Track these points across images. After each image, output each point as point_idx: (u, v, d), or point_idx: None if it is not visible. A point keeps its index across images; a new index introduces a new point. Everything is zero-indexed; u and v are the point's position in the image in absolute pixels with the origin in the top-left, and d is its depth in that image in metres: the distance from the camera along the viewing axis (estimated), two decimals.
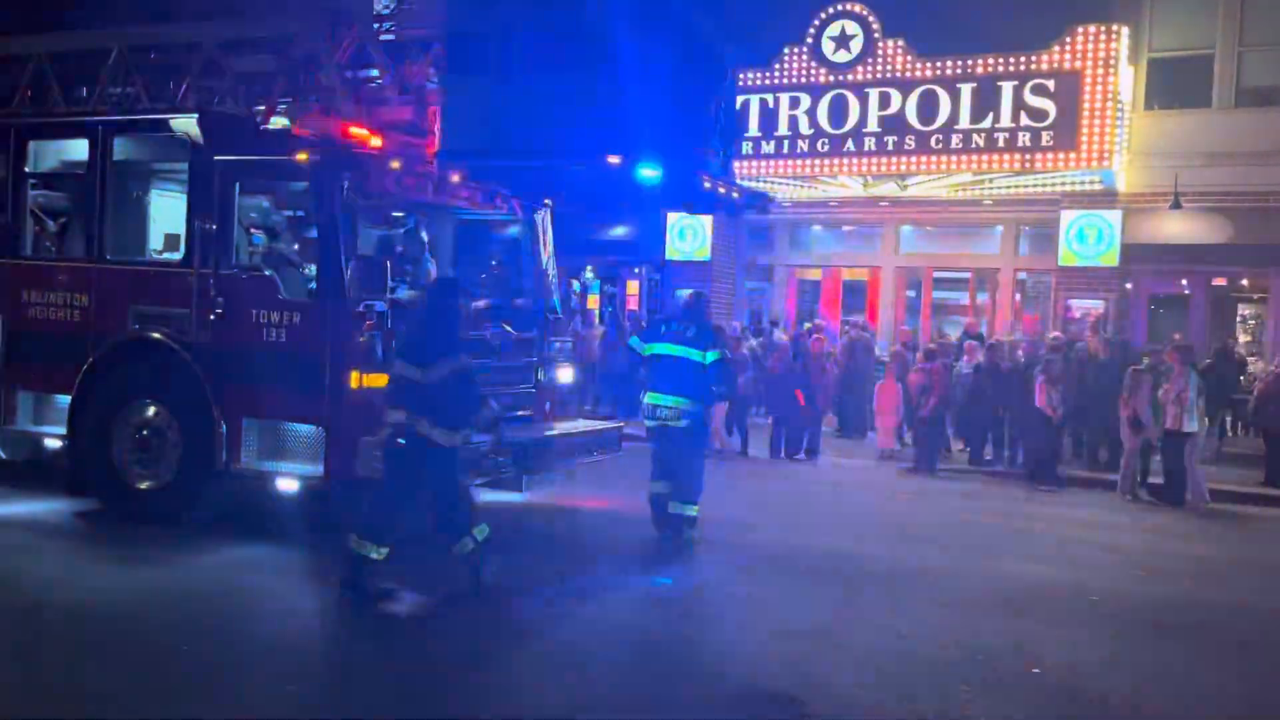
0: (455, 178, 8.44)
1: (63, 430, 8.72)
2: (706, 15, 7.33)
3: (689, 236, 23.98)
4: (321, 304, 7.65)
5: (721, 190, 7.72)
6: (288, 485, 7.96)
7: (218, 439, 7.94)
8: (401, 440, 6.52)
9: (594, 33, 6.72)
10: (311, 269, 7.88)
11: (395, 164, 7.80)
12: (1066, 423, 13.83)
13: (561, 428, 9.00)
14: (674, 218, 23.97)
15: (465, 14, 7.31)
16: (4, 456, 9.44)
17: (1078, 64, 17.13)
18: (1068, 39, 17.27)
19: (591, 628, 6.52)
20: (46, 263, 8.91)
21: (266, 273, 7.84)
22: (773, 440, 14.67)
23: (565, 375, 9.55)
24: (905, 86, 18.55)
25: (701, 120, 7.32)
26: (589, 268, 25.10)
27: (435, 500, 6.77)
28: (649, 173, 6.86)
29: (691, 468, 8.44)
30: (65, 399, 8.72)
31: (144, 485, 8.27)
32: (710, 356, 8.28)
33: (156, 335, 8.23)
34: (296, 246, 8.07)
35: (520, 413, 9.01)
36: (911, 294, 22.91)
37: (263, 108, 8.97)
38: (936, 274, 22.97)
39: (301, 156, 7.69)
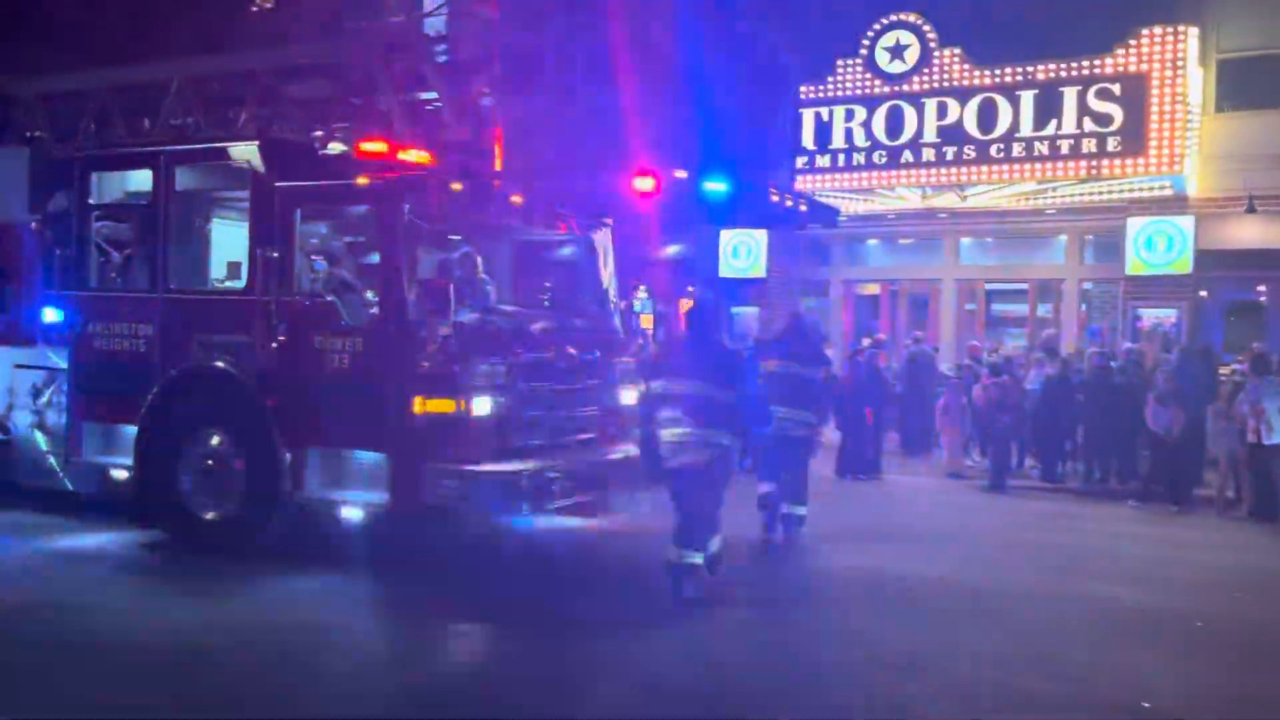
0: (516, 198, 8.31)
1: (129, 461, 8.69)
2: (769, 25, 7.10)
3: (743, 254, 23.70)
4: (384, 329, 7.53)
5: (789, 204, 7.48)
6: (352, 514, 7.83)
7: (281, 468, 7.84)
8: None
9: (656, 46, 6.54)
10: (373, 294, 7.76)
11: (456, 185, 7.68)
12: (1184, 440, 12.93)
13: (627, 450, 8.77)
14: (727, 235, 23.74)
15: (523, 31, 7.16)
16: (71, 488, 9.45)
17: (1144, 66, 16.68)
18: (1132, 42, 16.83)
19: (669, 656, 6.28)
20: (111, 294, 8.92)
21: (328, 299, 7.75)
22: (840, 459, 14.30)
23: (629, 397, 9.33)
24: (963, 95, 18.20)
25: (767, 132, 7.08)
26: (641, 288, 24.94)
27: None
28: (715, 187, 6.65)
29: (802, 472, 9.52)
30: (131, 430, 8.70)
31: (210, 515, 8.20)
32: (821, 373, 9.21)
33: (220, 364, 8.17)
34: (358, 272, 7.95)
35: (584, 436, 8.81)
36: (972, 306, 22.44)
37: (320, 133, 8.97)
38: (997, 286, 22.49)
39: (362, 180, 7.61)
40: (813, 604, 7.55)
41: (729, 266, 23.80)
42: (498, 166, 7.58)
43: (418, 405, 7.41)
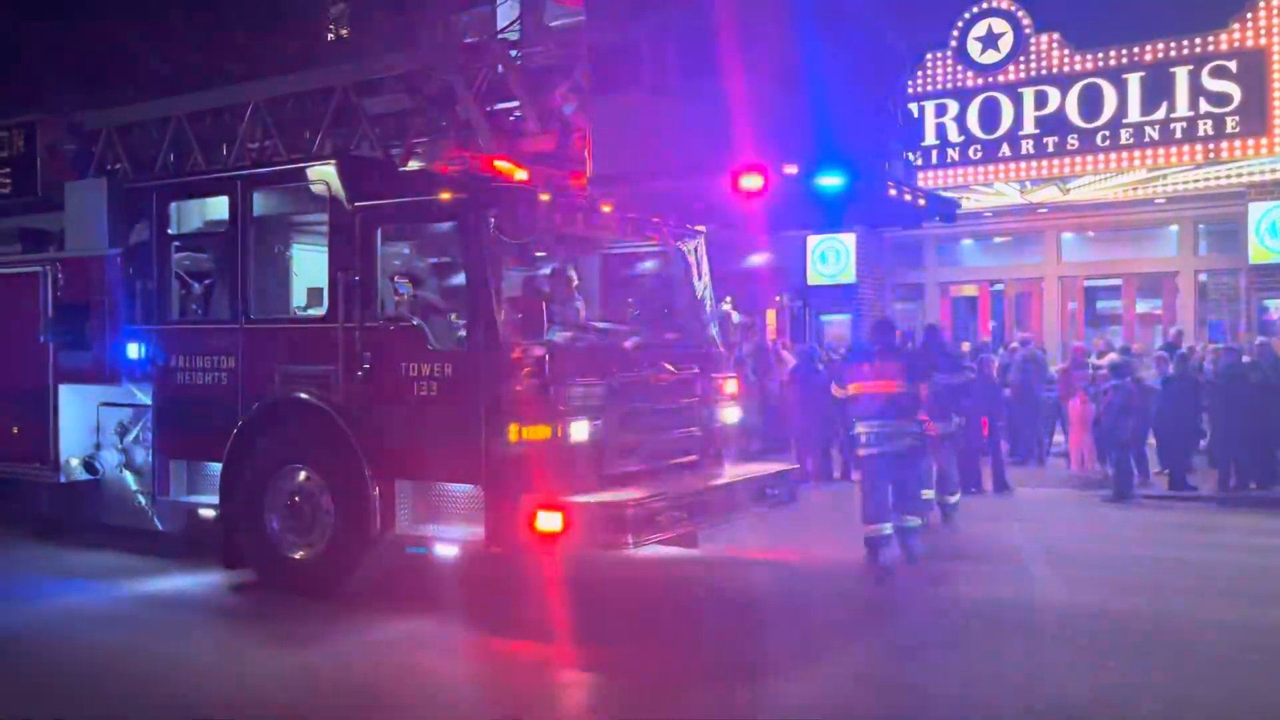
0: (606, 208, 7.78)
1: (215, 500, 8.37)
2: (878, 9, 6.47)
3: (831, 259, 22.96)
4: (474, 353, 7.05)
5: (907, 198, 6.83)
6: (446, 550, 7.35)
7: (371, 503, 7.40)
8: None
9: (756, 33, 5.96)
10: (461, 316, 7.30)
11: (544, 196, 7.18)
12: None
13: (733, 473, 8.18)
14: (814, 240, 22.99)
15: (613, 25, 6.63)
16: (160, 528, 9.18)
17: (1263, 40, 15.59)
18: (1249, 15, 15.74)
19: (790, 705, 5.65)
20: (192, 326, 8.63)
21: (414, 322, 7.30)
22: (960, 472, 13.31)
23: (731, 415, 8.74)
24: (1063, 82, 17.27)
25: (881, 121, 6.45)
26: (727, 298, 24.27)
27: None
28: (830, 181, 6.04)
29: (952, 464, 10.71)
30: (216, 467, 8.38)
31: (298, 555, 7.80)
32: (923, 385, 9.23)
33: (303, 396, 7.79)
34: (443, 293, 7.50)
35: (685, 459, 8.24)
36: (1078, 304, 21.34)
37: (398, 150, 8.57)
38: (1101, 282, 21.36)
39: (445, 195, 7.16)
40: (962, 643, 6.81)
41: (817, 273, 23.05)
42: (587, 174, 7.05)
43: (512, 433, 6.90)
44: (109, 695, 5.97)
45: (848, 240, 22.52)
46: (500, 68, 7.93)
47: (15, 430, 9.78)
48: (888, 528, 8.72)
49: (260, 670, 6.33)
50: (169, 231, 8.70)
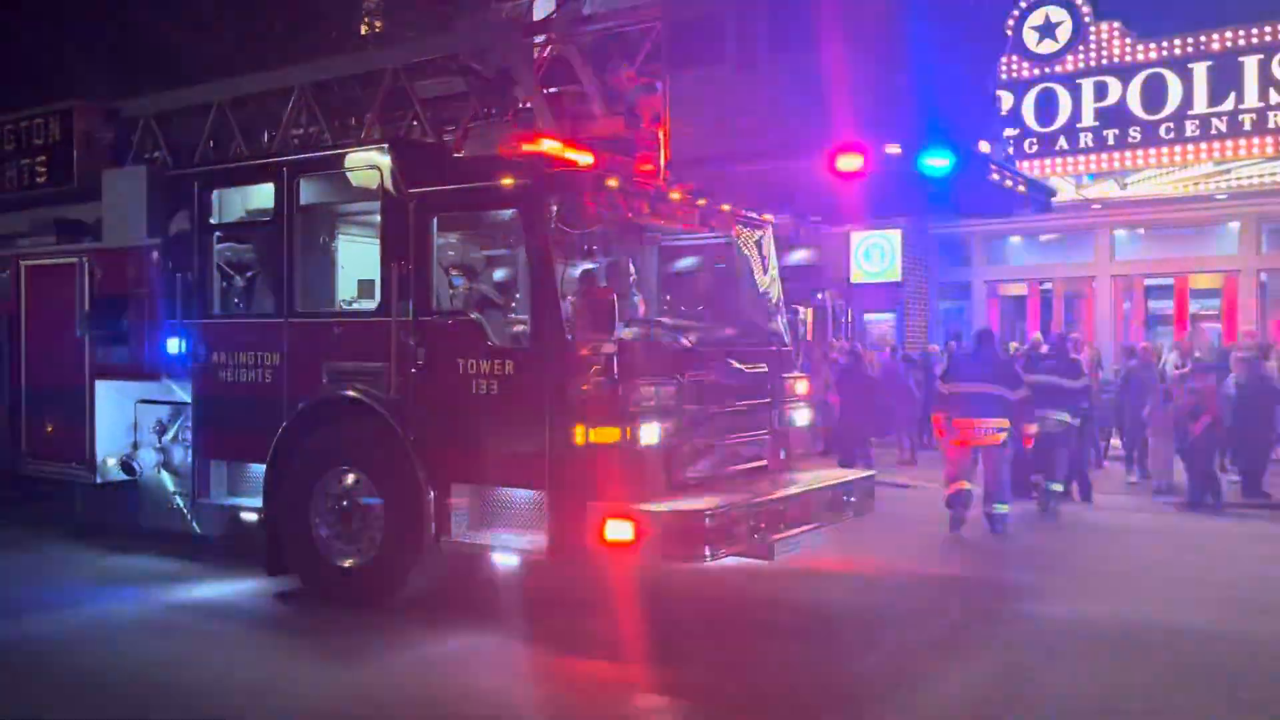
0: (675, 195, 7.31)
1: (258, 503, 7.95)
2: None
3: (875, 256, 22.40)
4: (537, 349, 6.58)
5: (1008, 183, 6.31)
6: (506, 559, 6.90)
7: (425, 509, 6.95)
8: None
9: (859, 1, 5.46)
10: (523, 310, 6.84)
11: (612, 183, 6.70)
12: None
13: (807, 479, 7.67)
14: (859, 237, 22.41)
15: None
16: (199, 531, 8.78)
17: None
18: None
19: None
20: (234, 320, 8.20)
21: (472, 316, 6.83)
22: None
23: (802, 417, 8.24)
24: (1125, 73, 16.66)
25: (982, 101, 5.93)
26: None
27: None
28: (937, 163, 5.54)
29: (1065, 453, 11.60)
30: (259, 468, 7.97)
31: (346, 563, 7.36)
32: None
33: (352, 394, 7.35)
34: (503, 285, 7.04)
35: (754, 464, 7.75)
36: (1135, 302, 20.66)
37: (451, 135, 8.11)
38: (1160, 280, 20.67)
39: (507, 182, 6.69)
40: (1064, 664, 6.30)
41: (861, 270, 22.47)
42: (661, 159, 6.56)
43: (578, 435, 6.43)
44: (154, 712, 5.55)
45: (893, 236, 21.94)
46: (563, 47, 7.45)
47: (50, 429, 9.44)
48: (966, 484, 10.24)
49: (312, 689, 5.89)
50: (210, 221, 8.28)
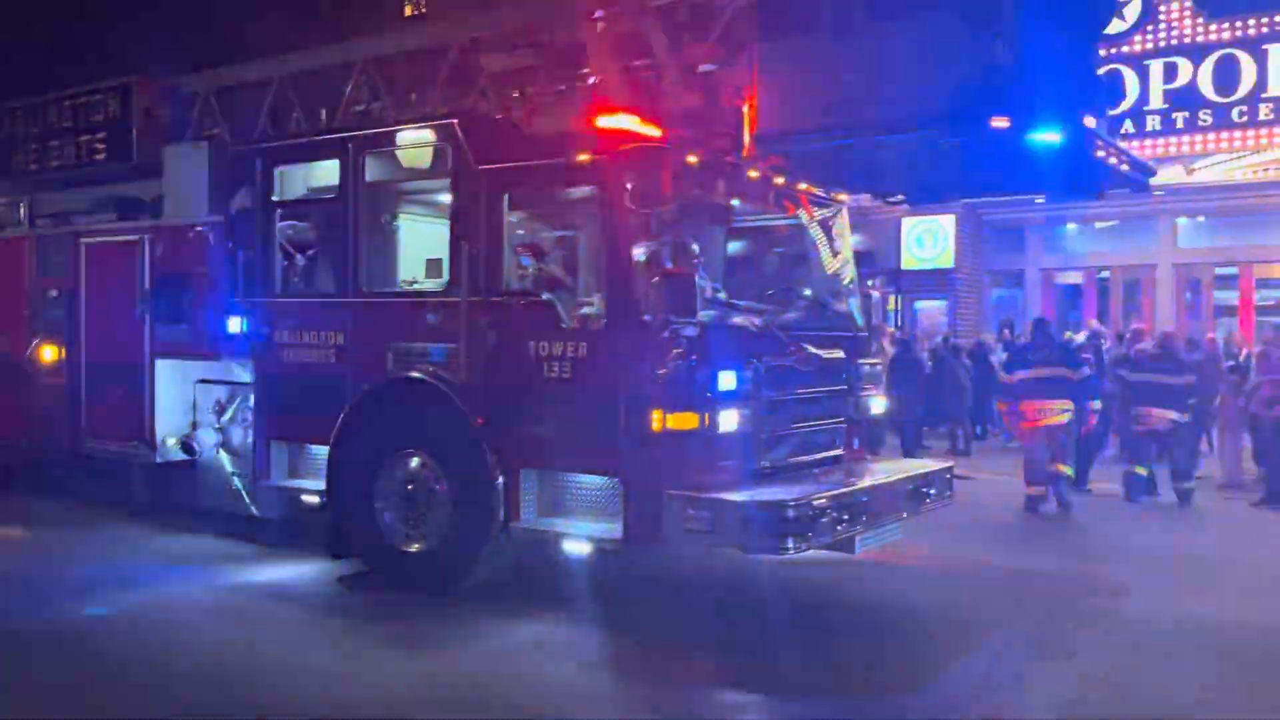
0: (753, 173, 7.05)
1: (320, 485, 7.82)
2: None
3: (928, 242, 22.00)
4: (613, 331, 6.36)
5: (1113, 161, 6.00)
6: (577, 547, 6.70)
7: (494, 494, 6.77)
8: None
9: None
10: (597, 290, 6.61)
11: (692, 158, 6.46)
12: None
13: (886, 470, 7.42)
14: (910, 222, 21.99)
15: None
16: (256, 513, 8.67)
17: None
18: None
19: None
20: (297, 299, 8.04)
21: (544, 297, 6.62)
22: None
23: (878, 405, 7.98)
24: (1196, 53, 16.14)
25: (1086, 74, 5.61)
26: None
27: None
28: (1047, 137, 5.25)
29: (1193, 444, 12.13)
30: (321, 450, 7.83)
31: (412, 548, 7.20)
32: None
33: (419, 375, 7.17)
34: (577, 264, 6.81)
35: (831, 453, 7.50)
36: (1205, 293, 20.12)
37: (519, 109, 7.90)
38: (1225, 270, 20.11)
39: (583, 157, 6.46)
40: (1128, 667, 6.01)
41: (913, 256, 22.06)
42: (747, 134, 6.30)
43: (655, 420, 6.21)
44: (220, 698, 5.41)
45: (947, 222, 21.53)
46: (636, 18, 7.20)
47: (110, 408, 9.36)
48: (1044, 489, 10.85)
49: (384, 678, 5.73)
50: (273, 198, 8.11)
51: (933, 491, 7.38)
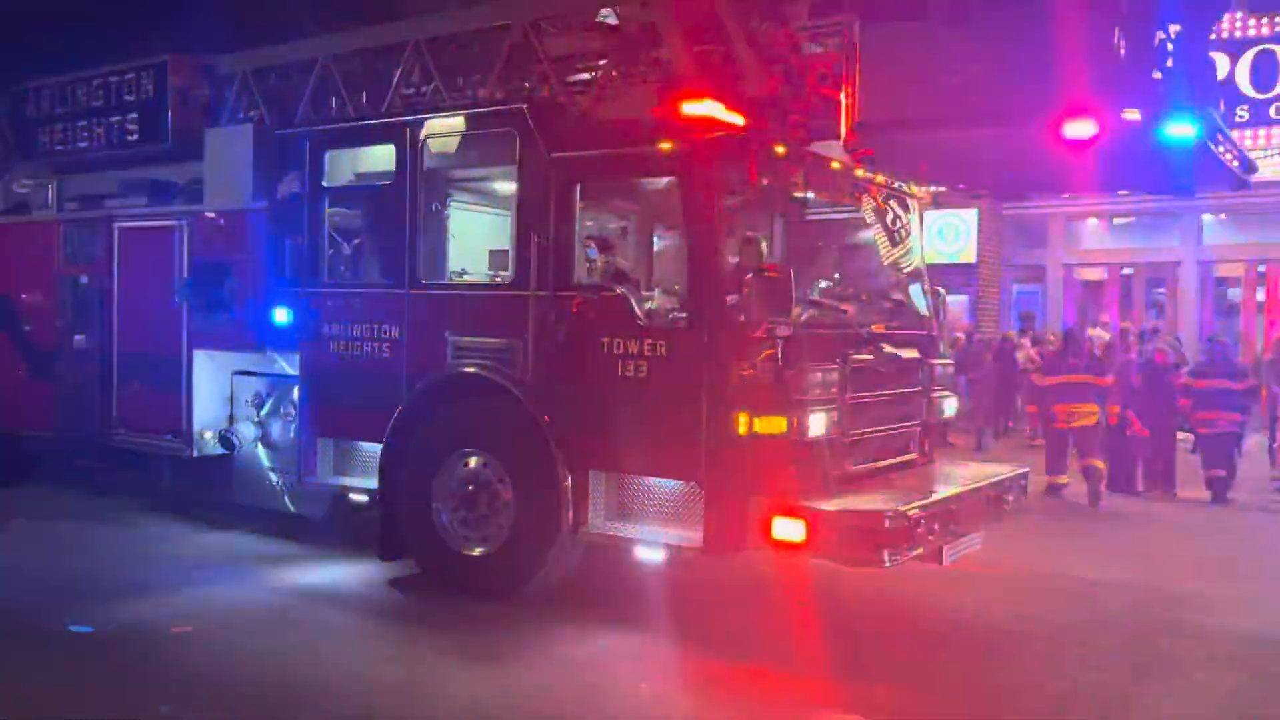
0: (835, 164, 6.75)
1: (369, 483, 7.53)
2: None
3: (950, 236, 21.68)
4: (697, 329, 6.05)
5: (1227, 156, 5.72)
6: (651, 554, 6.41)
7: (562, 496, 6.48)
8: None
9: None
10: (678, 285, 6.31)
11: (780, 149, 6.16)
12: None
13: (963, 475, 7.14)
14: (932, 214, 21.70)
15: None
16: (296, 511, 8.37)
17: None
18: None
19: None
20: (349, 290, 7.71)
21: (620, 292, 6.31)
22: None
23: (949, 407, 7.70)
24: (1234, 48, 15.85)
25: (1206, 63, 5.31)
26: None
27: None
28: (1181, 131, 4.96)
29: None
30: (372, 447, 7.54)
31: (473, 551, 6.91)
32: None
33: (482, 372, 6.87)
34: (655, 258, 6.50)
35: (906, 457, 7.22)
36: (1230, 290, 19.91)
37: (582, 94, 7.55)
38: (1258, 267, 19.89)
39: (665, 146, 6.15)
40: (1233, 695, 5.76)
41: (934, 250, 21.76)
42: (844, 125, 5.98)
43: (741, 424, 5.92)
44: (278, 712, 5.11)
45: (968, 215, 21.21)
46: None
47: (143, 399, 9.03)
48: (1064, 478, 11.73)
49: (457, 689, 5.44)
50: (323, 184, 7.78)
51: (1010, 498, 7.12)
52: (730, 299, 5.99)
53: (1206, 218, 19.92)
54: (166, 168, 9.64)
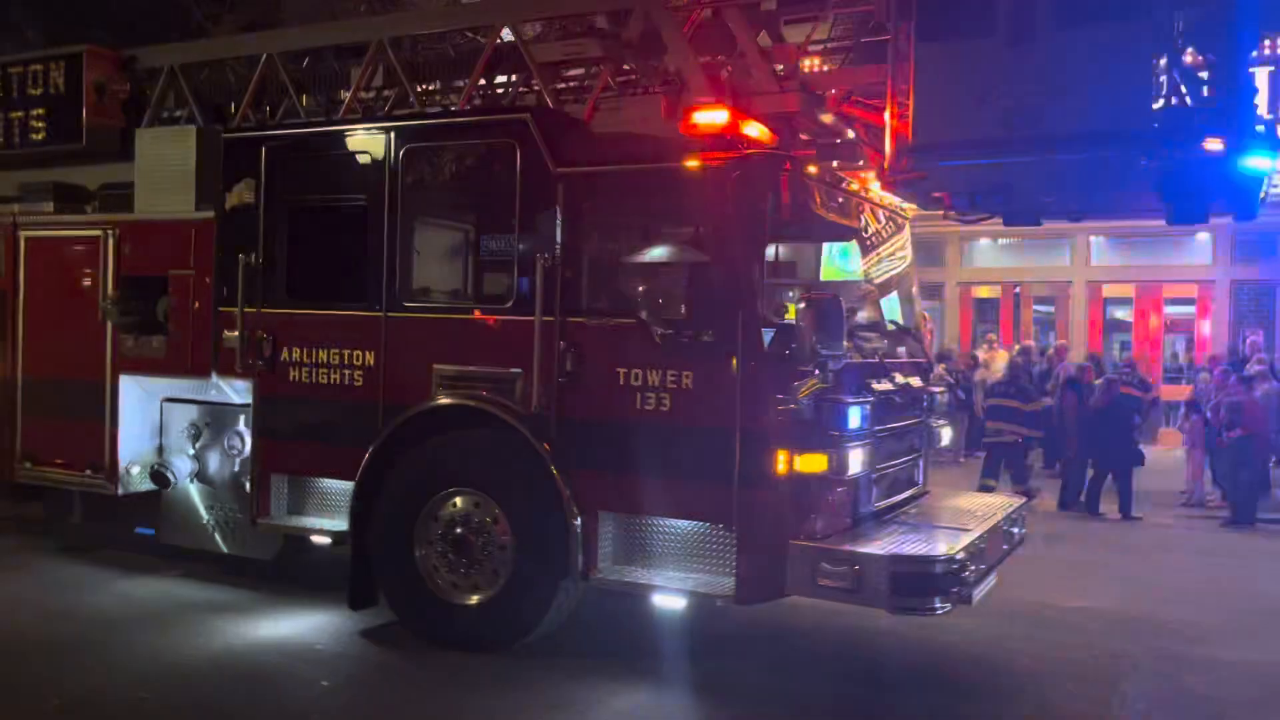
0: (852, 185, 6.48)
1: (334, 525, 6.84)
2: None
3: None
4: (729, 360, 5.62)
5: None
6: (670, 602, 5.95)
7: (570, 540, 5.96)
8: None
9: None
10: (701, 312, 5.83)
11: (813, 169, 5.82)
12: None
13: (972, 509, 6.93)
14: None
15: None
16: (236, 552, 7.60)
17: None
18: None
19: None
20: (314, 312, 6.96)
21: (642, 317, 5.81)
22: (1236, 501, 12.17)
23: (946, 436, 7.53)
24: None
25: (1247, 83, 5.23)
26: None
27: None
28: (1259, 164, 4.84)
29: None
30: (337, 484, 6.88)
31: (463, 600, 6.30)
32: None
33: (477, 404, 6.29)
34: (669, 283, 5.97)
35: (911, 491, 6.99)
36: (1117, 311, 20.78)
37: (570, 103, 7.09)
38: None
39: (693, 164, 5.73)
40: None
41: (832, 268, 21.96)
42: (889, 146, 5.68)
43: (780, 462, 5.53)
44: None
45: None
46: (722, 7, 6.52)
47: (55, 429, 8.03)
48: (993, 482, 12.29)
49: None
50: (284, 194, 7.03)
51: (1016, 530, 6.95)
52: (766, 327, 5.61)
53: (1095, 238, 20.70)
54: (72, 170, 8.68)
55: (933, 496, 7.23)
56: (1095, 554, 10.19)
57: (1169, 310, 21.01)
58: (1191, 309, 20.60)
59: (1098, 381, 12.95)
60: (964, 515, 6.59)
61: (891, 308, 7.51)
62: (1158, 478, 13.49)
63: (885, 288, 7.40)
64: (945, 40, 5.36)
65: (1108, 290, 21.12)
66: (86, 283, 7.81)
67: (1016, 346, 18.29)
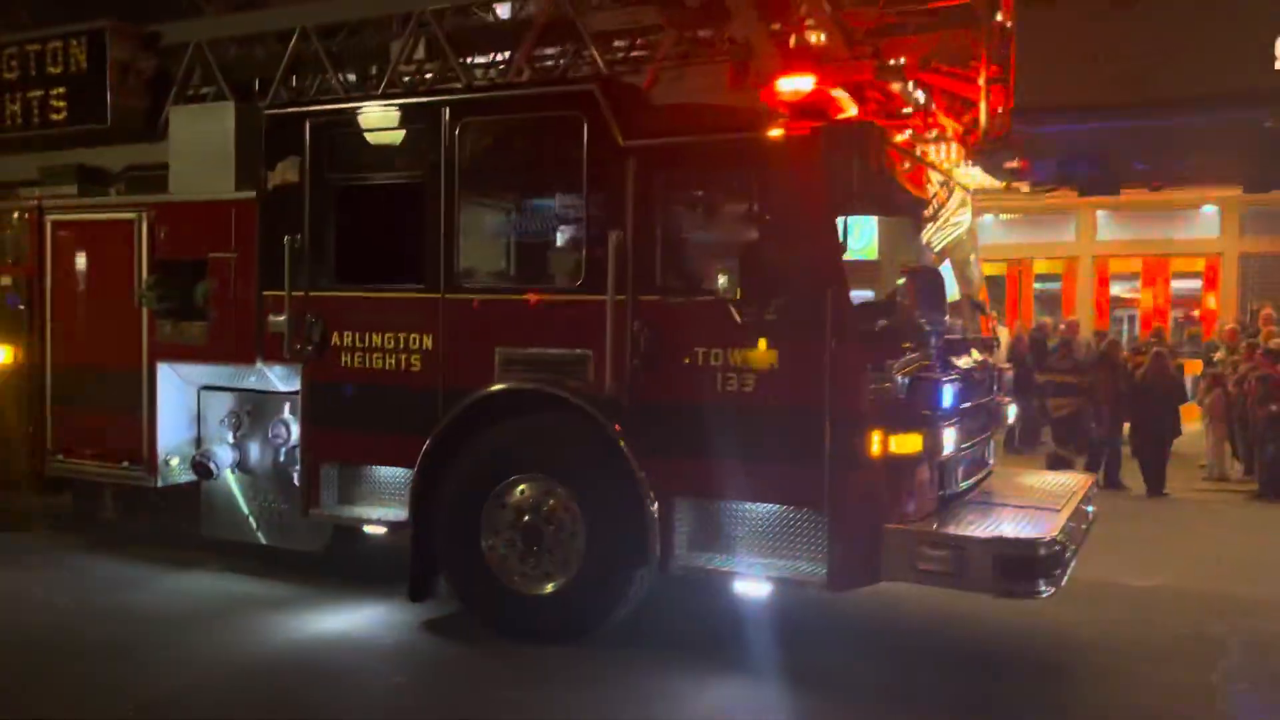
0: (926, 155, 6.27)
1: (392, 514, 6.61)
2: None
3: (853, 234, 21.74)
4: (817, 338, 5.40)
5: None
6: (754, 587, 5.75)
7: (647, 526, 5.75)
8: None
9: None
10: (787, 287, 5.61)
11: (900, 138, 5.60)
12: None
13: (1047, 487, 6.77)
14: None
15: None
16: (283, 545, 7.34)
17: None
18: None
19: None
20: (367, 295, 6.69)
21: (721, 295, 5.58)
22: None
23: (1012, 413, 7.37)
24: None
25: None
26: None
27: None
28: None
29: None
30: (392, 473, 6.64)
31: (535, 589, 6.08)
32: None
33: (544, 387, 6.06)
34: (748, 258, 5.73)
35: (986, 470, 6.82)
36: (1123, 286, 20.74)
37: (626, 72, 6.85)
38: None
39: (776, 134, 5.50)
40: None
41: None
42: (984, 115, 5.48)
43: (875, 443, 5.34)
44: None
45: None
46: None
47: (89, 420, 7.75)
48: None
49: None
50: (330, 172, 6.76)
51: (1090, 509, 6.79)
52: (856, 303, 5.40)
53: (1101, 212, 20.60)
54: (94, 151, 8.38)
55: (995, 475, 7.07)
56: (1140, 529, 10.05)
57: (1176, 284, 20.95)
58: (1198, 283, 20.55)
59: (1138, 357, 12.81)
60: (1046, 495, 6.42)
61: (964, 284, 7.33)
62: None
63: (957, 263, 7.19)
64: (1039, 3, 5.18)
65: (1114, 266, 21.03)
66: (119, 268, 7.50)
67: (1019, 324, 18.28)
